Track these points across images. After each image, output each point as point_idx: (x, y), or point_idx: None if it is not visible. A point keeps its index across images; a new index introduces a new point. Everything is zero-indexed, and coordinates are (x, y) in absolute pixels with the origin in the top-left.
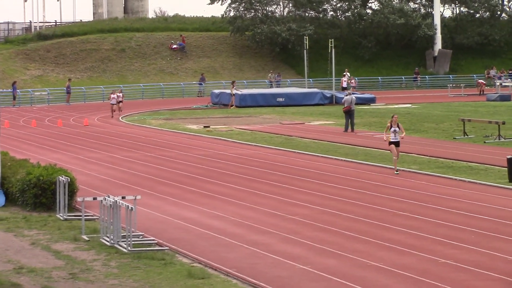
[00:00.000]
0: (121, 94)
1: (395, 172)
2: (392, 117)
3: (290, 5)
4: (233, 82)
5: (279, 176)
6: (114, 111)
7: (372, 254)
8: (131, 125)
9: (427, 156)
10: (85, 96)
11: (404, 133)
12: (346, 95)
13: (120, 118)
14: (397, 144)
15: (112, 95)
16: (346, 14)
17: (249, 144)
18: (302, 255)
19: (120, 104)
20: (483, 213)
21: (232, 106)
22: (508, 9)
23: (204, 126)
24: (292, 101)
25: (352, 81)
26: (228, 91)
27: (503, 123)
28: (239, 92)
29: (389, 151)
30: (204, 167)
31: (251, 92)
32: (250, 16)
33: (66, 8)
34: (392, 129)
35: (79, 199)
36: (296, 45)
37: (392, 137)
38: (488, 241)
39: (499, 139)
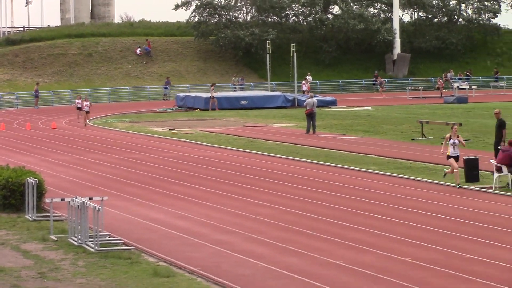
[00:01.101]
0: (88, 103)
1: (457, 187)
2: (452, 128)
3: (253, 10)
4: (212, 85)
5: (243, 177)
6: (83, 118)
7: (333, 252)
8: (98, 128)
9: (386, 157)
10: (53, 100)
11: (464, 146)
12: (308, 98)
13: (87, 121)
14: (456, 158)
15: (77, 100)
16: (308, 19)
17: (213, 146)
18: (265, 254)
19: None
20: (440, 212)
21: (214, 109)
22: (464, 14)
23: (170, 129)
24: (255, 104)
25: (305, 84)
26: (193, 94)
27: (460, 124)
28: (219, 95)
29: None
30: (169, 168)
31: (215, 95)
32: (214, 21)
33: (34, 14)
34: (451, 141)
35: (47, 200)
36: (259, 50)
37: (451, 151)
38: (445, 240)
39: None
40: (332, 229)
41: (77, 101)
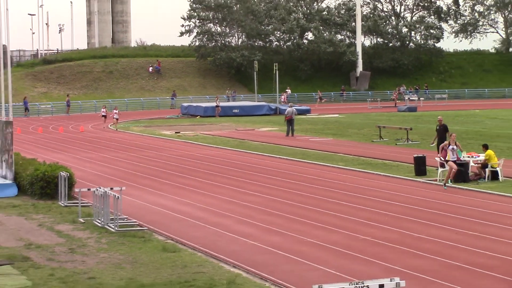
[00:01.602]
0: (117, 111)
1: (444, 187)
2: (451, 136)
3: (243, 36)
4: (217, 97)
5: (235, 171)
6: (114, 123)
7: (309, 232)
8: (118, 131)
9: (351, 155)
10: (81, 109)
11: (462, 151)
12: (289, 107)
13: (108, 125)
14: (454, 162)
15: (102, 109)
16: (287, 43)
17: (211, 146)
18: (253, 234)
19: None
20: (395, 200)
21: (221, 116)
22: (414, 39)
23: (175, 132)
24: (245, 112)
25: (283, 96)
26: (194, 104)
27: (411, 129)
28: (222, 104)
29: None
30: (175, 164)
31: (212, 105)
32: (211, 45)
33: (65, 39)
34: (450, 147)
35: (76, 190)
36: (248, 68)
37: (451, 156)
38: (399, 222)
39: (408, 142)
40: (307, 214)
41: (102, 109)
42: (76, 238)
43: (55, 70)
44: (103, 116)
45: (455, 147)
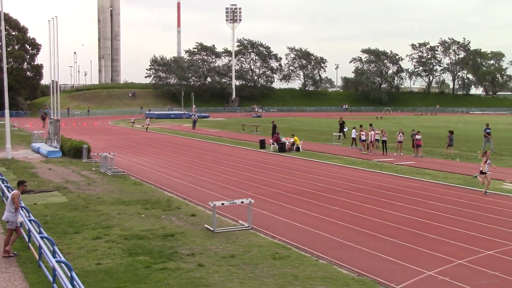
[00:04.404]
0: (148, 120)
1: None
2: (485, 153)
3: (177, 79)
4: (193, 109)
5: (170, 145)
6: (144, 126)
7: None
8: (114, 125)
9: (229, 138)
10: (95, 114)
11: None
12: (193, 115)
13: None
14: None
15: (147, 120)
16: (198, 83)
17: (156, 132)
18: (165, 171)
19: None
20: (248, 159)
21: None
22: (260, 82)
23: (132, 122)
24: (176, 117)
25: (193, 109)
26: (150, 112)
27: (258, 125)
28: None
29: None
30: (134, 141)
31: (160, 113)
32: (160, 83)
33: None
34: (488, 162)
35: (92, 154)
36: (179, 95)
37: (486, 168)
38: (250, 169)
39: (256, 132)
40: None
41: (131, 119)
42: (90, 178)
43: (82, 94)
44: (132, 122)
45: (489, 161)
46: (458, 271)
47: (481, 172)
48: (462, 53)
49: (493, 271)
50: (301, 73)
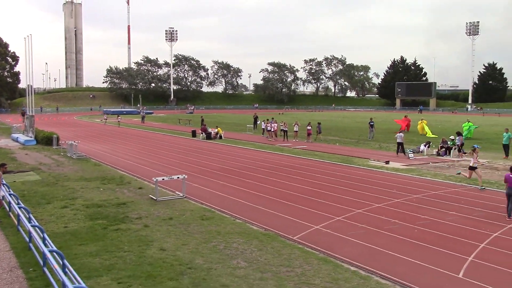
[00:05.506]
0: (145, 112)
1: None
2: (474, 150)
3: (128, 83)
4: (142, 107)
5: (118, 134)
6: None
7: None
8: (80, 120)
9: (169, 129)
10: (63, 111)
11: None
12: (142, 112)
13: (102, 121)
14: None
15: (105, 116)
16: (135, 86)
17: (112, 125)
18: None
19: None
20: (184, 145)
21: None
22: (192, 87)
23: (103, 120)
24: (128, 113)
25: (141, 108)
26: (107, 109)
27: (191, 119)
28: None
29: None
30: (98, 132)
31: (114, 110)
32: (115, 87)
33: (58, 81)
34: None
35: (61, 142)
36: (130, 97)
37: (475, 164)
38: (187, 154)
39: (189, 124)
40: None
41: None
42: (59, 161)
43: (52, 95)
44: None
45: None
46: (337, 225)
47: (471, 168)
48: (341, 66)
49: (362, 224)
50: (223, 80)
